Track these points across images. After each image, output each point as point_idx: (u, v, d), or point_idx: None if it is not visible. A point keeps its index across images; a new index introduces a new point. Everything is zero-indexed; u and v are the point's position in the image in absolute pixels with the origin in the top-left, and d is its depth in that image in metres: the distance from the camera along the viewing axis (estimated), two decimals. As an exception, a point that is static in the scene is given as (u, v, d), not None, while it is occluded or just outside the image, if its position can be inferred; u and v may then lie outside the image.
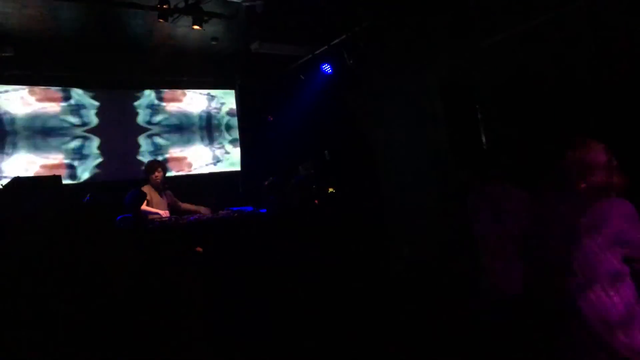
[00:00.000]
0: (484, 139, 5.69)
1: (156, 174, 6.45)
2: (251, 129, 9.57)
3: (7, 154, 7.37)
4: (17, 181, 4.97)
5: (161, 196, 6.47)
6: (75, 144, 7.96)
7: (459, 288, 5.08)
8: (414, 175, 6.86)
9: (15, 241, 4.46)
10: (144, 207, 6.06)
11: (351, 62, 7.42)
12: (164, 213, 6.00)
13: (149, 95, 8.71)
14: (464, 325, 4.17)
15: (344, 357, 4.42)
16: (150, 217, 5.92)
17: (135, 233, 5.24)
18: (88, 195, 5.18)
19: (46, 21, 6.47)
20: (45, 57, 7.42)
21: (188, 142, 9.02)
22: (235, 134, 9.55)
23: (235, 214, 6.10)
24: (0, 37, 6.72)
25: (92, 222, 4.96)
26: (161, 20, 6.36)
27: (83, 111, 8.06)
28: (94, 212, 4.99)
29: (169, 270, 5.06)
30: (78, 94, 8.06)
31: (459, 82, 5.63)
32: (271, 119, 9.30)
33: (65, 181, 7.44)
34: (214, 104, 9.38)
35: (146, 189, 6.32)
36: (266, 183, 6.59)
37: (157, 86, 8.76)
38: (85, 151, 8.03)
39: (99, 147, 8.14)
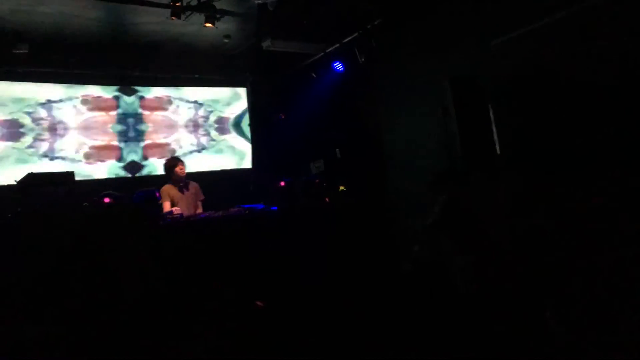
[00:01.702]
0: (495, 137, 5.66)
1: (179, 168, 6.43)
2: (263, 127, 9.59)
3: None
4: (31, 177, 5.02)
5: (182, 192, 6.45)
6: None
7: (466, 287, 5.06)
8: (425, 174, 6.83)
9: (28, 236, 4.51)
10: (166, 209, 6.06)
11: (363, 60, 7.41)
12: (176, 210, 6.01)
13: (158, 92, 8.78)
14: (472, 323, 4.16)
15: (352, 356, 4.42)
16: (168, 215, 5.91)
17: (146, 231, 5.26)
18: (104, 193, 5.22)
19: (60, 18, 6.52)
20: (59, 54, 7.48)
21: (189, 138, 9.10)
22: (247, 131, 9.59)
23: (247, 212, 6.11)
24: (15, 34, 6.78)
25: (105, 219, 5.00)
26: (174, 18, 6.39)
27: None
28: (107, 209, 5.02)
29: (178, 267, 5.09)
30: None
31: (471, 80, 5.60)
32: (283, 116, 9.31)
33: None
34: (223, 103, 9.44)
35: (167, 188, 6.35)
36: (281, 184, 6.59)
37: (168, 84, 8.80)
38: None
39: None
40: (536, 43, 5.45)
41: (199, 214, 6.18)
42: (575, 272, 4.22)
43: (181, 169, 6.47)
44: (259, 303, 5.31)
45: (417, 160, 7.01)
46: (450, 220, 4.04)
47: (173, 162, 6.52)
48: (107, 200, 5.13)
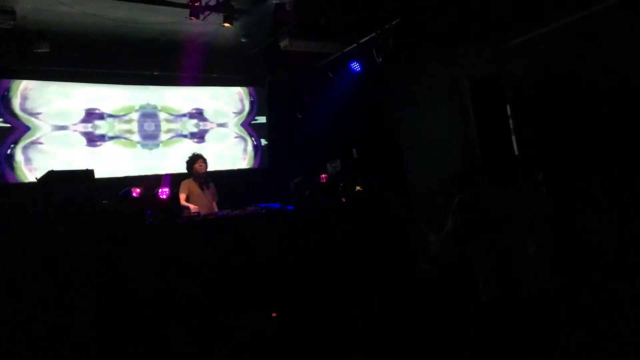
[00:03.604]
0: (513, 137, 5.63)
1: (198, 164, 6.51)
2: (280, 126, 9.61)
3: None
4: (51, 174, 5.07)
5: (202, 190, 6.51)
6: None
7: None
8: (443, 174, 6.80)
9: (49, 233, 4.56)
10: (181, 202, 6.11)
11: (380, 60, 7.39)
12: (193, 208, 6.05)
13: (176, 91, 8.84)
14: (491, 325, 4.13)
15: (370, 356, 4.41)
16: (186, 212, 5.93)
17: (163, 228, 5.29)
18: (125, 190, 5.26)
19: (80, 18, 6.60)
20: (80, 53, 7.56)
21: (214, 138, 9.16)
22: (264, 130, 9.62)
23: (263, 211, 6.13)
24: (36, 33, 6.88)
25: (123, 216, 5.04)
26: (192, 18, 6.43)
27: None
28: (125, 206, 5.06)
29: (192, 266, 5.11)
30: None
31: (490, 80, 5.57)
32: (300, 116, 9.32)
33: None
34: (241, 101, 9.47)
35: (186, 182, 6.44)
36: (294, 182, 6.59)
37: (186, 83, 8.85)
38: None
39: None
40: (556, 43, 5.41)
41: (216, 212, 6.22)
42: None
43: (200, 166, 6.54)
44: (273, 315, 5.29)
45: (435, 159, 6.99)
46: (468, 223, 3.99)
47: (193, 159, 6.59)
48: (135, 193, 5.17)
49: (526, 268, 3.86)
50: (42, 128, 7.55)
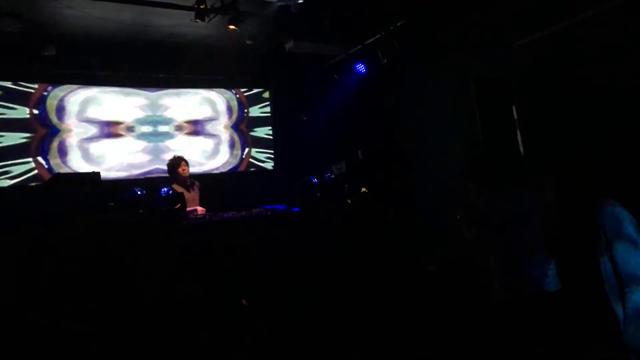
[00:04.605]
0: (519, 139, 5.62)
1: (181, 168, 6.33)
2: (285, 128, 9.61)
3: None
4: (57, 177, 5.10)
5: (189, 192, 6.38)
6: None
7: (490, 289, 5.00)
8: (448, 175, 6.80)
9: (56, 237, 4.58)
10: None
11: (385, 61, 7.39)
12: (201, 210, 6.05)
13: (185, 93, 8.86)
14: (496, 326, 4.11)
15: (374, 356, 4.41)
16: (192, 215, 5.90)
17: (170, 230, 5.30)
18: (129, 190, 5.27)
19: (87, 21, 6.61)
20: (86, 56, 7.58)
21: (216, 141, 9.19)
22: (269, 132, 9.62)
23: (269, 212, 6.13)
24: (42, 36, 6.90)
25: (129, 218, 5.05)
26: (197, 20, 6.44)
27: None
28: (132, 208, 5.07)
29: (199, 267, 5.11)
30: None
31: (495, 81, 5.56)
32: (305, 118, 9.32)
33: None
34: (246, 103, 9.49)
35: (175, 187, 6.16)
36: (300, 183, 6.58)
37: (192, 85, 8.87)
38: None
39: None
40: (561, 44, 5.40)
41: (222, 214, 6.20)
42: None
43: (184, 170, 6.35)
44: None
45: (440, 161, 6.98)
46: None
47: (176, 162, 6.39)
48: (139, 192, 5.18)
49: (538, 269, 3.83)
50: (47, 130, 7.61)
